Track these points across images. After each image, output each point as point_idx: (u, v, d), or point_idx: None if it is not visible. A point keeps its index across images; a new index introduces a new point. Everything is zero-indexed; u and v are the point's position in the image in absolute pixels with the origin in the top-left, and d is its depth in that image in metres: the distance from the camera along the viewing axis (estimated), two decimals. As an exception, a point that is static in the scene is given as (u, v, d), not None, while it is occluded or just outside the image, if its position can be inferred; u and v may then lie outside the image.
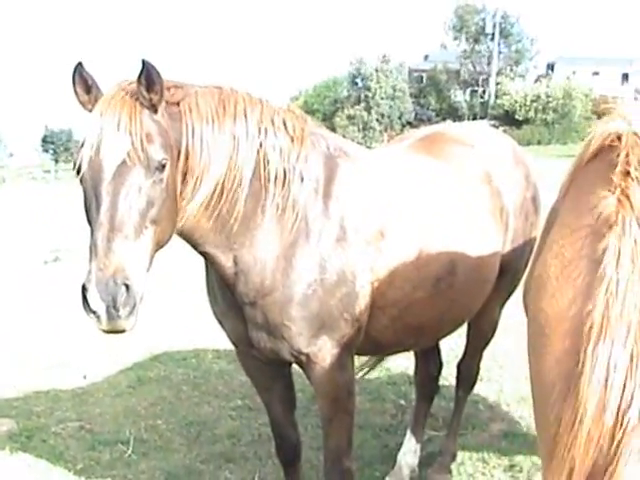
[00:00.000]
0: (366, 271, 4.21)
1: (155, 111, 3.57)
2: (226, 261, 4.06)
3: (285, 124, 4.14)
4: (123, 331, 3.38)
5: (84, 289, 3.29)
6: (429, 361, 5.91)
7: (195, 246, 4.05)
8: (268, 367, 4.62)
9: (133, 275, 3.35)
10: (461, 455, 5.87)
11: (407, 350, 5.26)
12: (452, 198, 4.71)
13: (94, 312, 3.29)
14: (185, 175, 3.74)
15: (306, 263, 4.07)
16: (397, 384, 7.52)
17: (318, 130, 4.44)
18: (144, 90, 3.51)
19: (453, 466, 5.70)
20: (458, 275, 4.56)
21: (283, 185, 4.03)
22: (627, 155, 2.80)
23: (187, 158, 3.73)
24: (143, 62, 3.45)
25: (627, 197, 2.66)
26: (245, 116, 3.97)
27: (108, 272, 3.28)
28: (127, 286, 3.31)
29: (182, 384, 7.84)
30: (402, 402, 7.06)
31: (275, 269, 4.06)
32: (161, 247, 3.66)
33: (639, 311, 2.46)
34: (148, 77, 3.49)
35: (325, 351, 4.19)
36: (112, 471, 5.99)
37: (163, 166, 3.51)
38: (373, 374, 7.57)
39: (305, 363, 4.29)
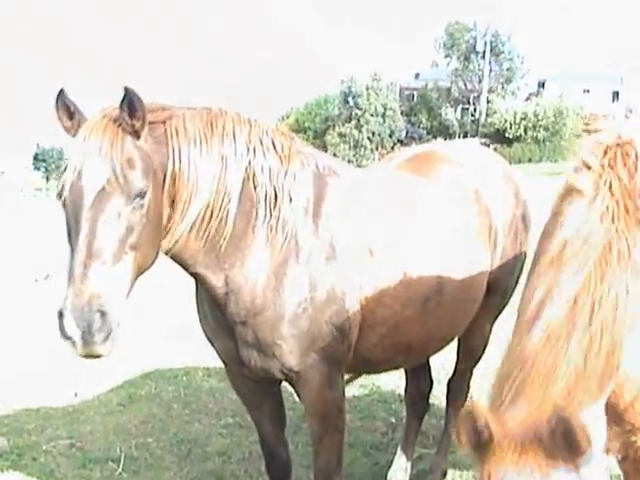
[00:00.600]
0: (355, 289, 4.24)
1: (138, 137, 3.61)
2: (217, 281, 4.09)
3: (274, 144, 4.18)
4: (99, 356, 3.42)
5: (60, 315, 3.32)
6: (419, 379, 5.93)
7: (186, 267, 4.08)
8: (258, 385, 4.64)
9: (109, 301, 3.38)
10: (451, 473, 5.87)
11: (397, 368, 5.28)
12: (440, 217, 4.74)
13: (69, 338, 3.32)
14: (173, 197, 3.78)
15: (297, 281, 4.10)
16: (387, 402, 7.52)
17: (307, 149, 4.48)
18: (126, 116, 3.55)
19: (443, 484, 5.71)
20: (446, 294, 4.59)
21: (274, 205, 4.08)
22: (605, 152, 3.14)
23: (174, 181, 3.76)
24: (126, 89, 3.49)
25: (600, 176, 3.08)
26: (234, 136, 4.02)
27: (84, 298, 3.31)
28: (103, 312, 3.34)
29: (173, 402, 7.83)
30: (392, 420, 7.06)
31: (266, 288, 4.09)
32: (143, 271, 3.70)
33: (601, 253, 2.90)
34: (130, 104, 3.53)
35: (315, 369, 4.21)
36: (102, 489, 5.98)
37: (144, 192, 3.54)
38: (363, 392, 7.59)
39: (295, 381, 4.31)
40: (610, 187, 3.02)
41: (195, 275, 4.13)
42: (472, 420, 2.61)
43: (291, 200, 4.13)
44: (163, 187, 3.71)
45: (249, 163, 4.04)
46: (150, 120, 3.69)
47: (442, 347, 5.07)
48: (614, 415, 3.05)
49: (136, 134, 3.59)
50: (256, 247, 4.07)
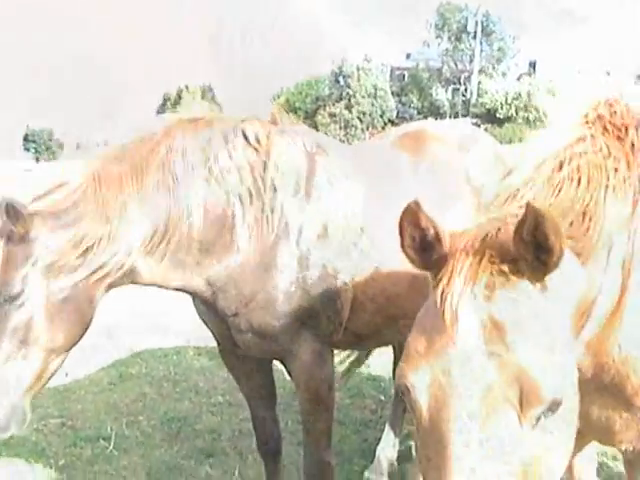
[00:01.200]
0: (347, 267, 4.26)
1: (25, 239, 3.68)
2: (198, 286, 4.13)
3: (246, 137, 4.16)
4: None
5: None
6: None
7: (164, 287, 4.16)
8: (250, 363, 4.67)
9: None
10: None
11: (386, 344, 5.29)
12: (430, 196, 4.73)
13: None
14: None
15: (287, 262, 4.11)
16: (377, 380, 7.55)
17: (295, 128, 4.47)
18: (11, 225, 3.63)
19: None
20: None
21: (251, 202, 4.06)
22: (595, 108, 2.95)
23: (95, 248, 3.82)
24: (5, 203, 3.60)
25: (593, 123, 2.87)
26: (183, 152, 4.00)
27: None
28: None
29: (163, 381, 7.86)
30: (382, 397, 7.10)
31: (254, 275, 4.09)
32: (75, 342, 3.93)
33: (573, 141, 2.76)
34: (11, 214, 3.61)
35: (306, 346, 4.23)
36: (93, 467, 6.01)
37: (18, 294, 3.65)
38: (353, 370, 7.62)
39: (286, 358, 4.34)
40: (586, 116, 2.90)
41: (177, 289, 4.18)
42: (413, 214, 2.34)
43: (275, 190, 4.11)
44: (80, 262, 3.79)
45: (210, 171, 4.02)
46: (57, 204, 3.79)
47: None
48: (623, 400, 2.88)
49: (23, 237, 3.67)
50: (237, 243, 4.07)
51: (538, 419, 2.11)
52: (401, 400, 5.95)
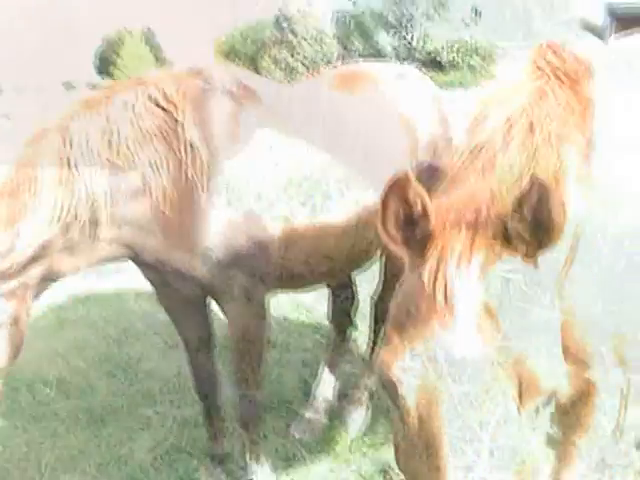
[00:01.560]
0: (277, 209, 4.25)
1: None
2: (117, 252, 4.12)
3: (153, 99, 4.03)
4: None
5: None
6: (341, 295, 5.97)
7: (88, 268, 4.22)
8: (185, 304, 4.68)
9: None
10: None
11: (322, 283, 5.28)
12: (365, 135, 4.73)
13: None
14: None
15: (211, 210, 4.06)
16: (317, 321, 7.59)
17: (225, 75, 4.38)
18: None
19: (370, 401, 5.82)
20: None
21: (167, 164, 3.97)
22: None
23: None
24: None
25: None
26: (78, 142, 3.87)
27: None
28: None
29: (103, 325, 7.84)
30: (321, 339, 7.14)
31: (173, 227, 4.05)
32: (7, 367, 4.08)
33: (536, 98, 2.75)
34: None
35: (236, 285, 4.24)
36: (34, 412, 6.03)
37: None
38: (293, 312, 7.67)
39: (219, 298, 4.36)
40: (536, 62, 2.89)
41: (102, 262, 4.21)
42: (401, 188, 2.16)
43: (193, 146, 3.99)
44: None
45: (114, 151, 3.90)
46: None
47: (367, 260, 5.07)
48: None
49: None
50: (152, 205, 4.01)
51: (537, 411, 2.06)
52: (337, 339, 6.02)
